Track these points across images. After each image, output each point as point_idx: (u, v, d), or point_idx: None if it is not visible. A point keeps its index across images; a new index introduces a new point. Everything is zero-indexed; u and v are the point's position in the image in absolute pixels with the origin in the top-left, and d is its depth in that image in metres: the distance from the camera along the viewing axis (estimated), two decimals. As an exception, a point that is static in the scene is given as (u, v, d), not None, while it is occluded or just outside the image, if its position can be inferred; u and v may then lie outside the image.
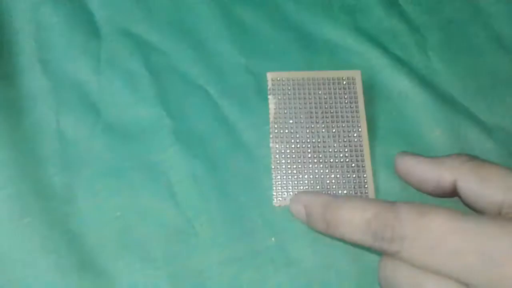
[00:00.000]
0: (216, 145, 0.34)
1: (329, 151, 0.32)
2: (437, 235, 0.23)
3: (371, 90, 0.36)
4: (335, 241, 0.32)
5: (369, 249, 0.27)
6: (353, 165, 0.32)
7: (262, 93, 0.36)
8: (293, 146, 0.32)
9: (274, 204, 0.31)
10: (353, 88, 0.33)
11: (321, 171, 0.32)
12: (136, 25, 0.38)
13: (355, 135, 0.32)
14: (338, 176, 0.32)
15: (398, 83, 0.36)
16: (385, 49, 0.37)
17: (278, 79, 0.34)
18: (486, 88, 0.36)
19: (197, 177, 0.33)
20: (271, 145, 0.32)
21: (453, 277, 0.22)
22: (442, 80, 0.36)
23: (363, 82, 0.34)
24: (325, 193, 0.30)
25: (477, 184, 0.25)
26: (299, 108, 0.33)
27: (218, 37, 0.37)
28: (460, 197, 0.27)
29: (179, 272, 0.31)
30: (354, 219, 0.25)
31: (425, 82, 0.36)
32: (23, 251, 0.31)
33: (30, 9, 0.38)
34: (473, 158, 0.27)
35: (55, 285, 0.31)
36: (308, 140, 0.32)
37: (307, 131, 0.33)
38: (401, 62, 0.37)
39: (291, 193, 0.31)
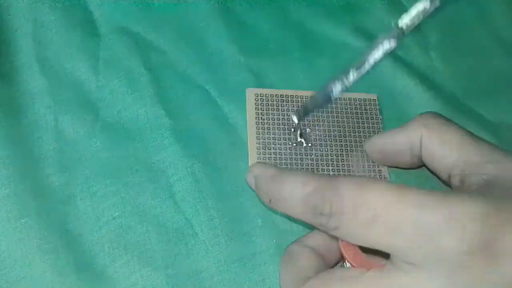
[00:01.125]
0: (215, 145, 0.34)
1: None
2: (374, 209, 0.22)
3: (372, 90, 0.35)
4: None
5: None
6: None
7: (262, 92, 0.36)
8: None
9: None
10: (375, 109, 0.34)
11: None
12: (135, 23, 0.38)
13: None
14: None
15: (400, 83, 0.36)
16: (386, 48, 0.37)
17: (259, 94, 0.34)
18: (489, 88, 0.36)
19: (197, 177, 0.33)
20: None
21: (391, 252, 0.22)
22: (444, 80, 0.36)
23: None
24: (274, 165, 0.29)
25: (436, 144, 0.26)
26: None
27: (217, 36, 0.37)
28: (424, 161, 0.27)
29: (178, 272, 0.31)
30: (294, 194, 0.25)
31: (427, 82, 0.36)
32: (20, 252, 0.31)
33: (28, 7, 0.37)
34: (436, 116, 0.27)
35: (52, 286, 0.30)
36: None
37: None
38: (403, 62, 0.36)
39: None
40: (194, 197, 0.33)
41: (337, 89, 0.28)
